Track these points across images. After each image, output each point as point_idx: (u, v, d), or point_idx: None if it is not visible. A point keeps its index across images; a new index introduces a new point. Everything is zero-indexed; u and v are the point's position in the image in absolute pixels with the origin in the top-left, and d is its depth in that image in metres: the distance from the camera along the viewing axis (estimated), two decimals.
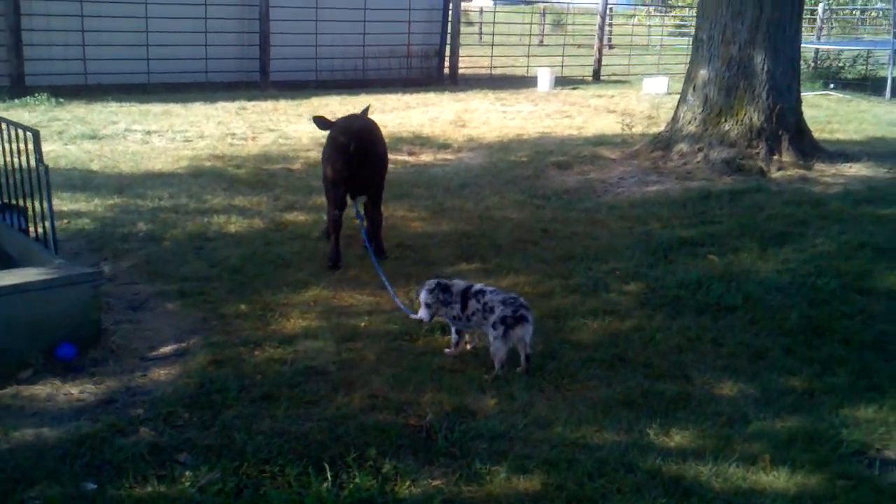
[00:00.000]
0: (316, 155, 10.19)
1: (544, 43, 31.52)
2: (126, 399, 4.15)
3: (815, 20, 26.61)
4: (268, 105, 14.48)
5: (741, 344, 4.97)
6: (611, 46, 30.19)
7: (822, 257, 6.51)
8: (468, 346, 4.83)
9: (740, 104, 9.40)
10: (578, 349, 4.84)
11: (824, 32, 29.06)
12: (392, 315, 5.25)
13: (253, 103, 14.54)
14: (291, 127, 12.35)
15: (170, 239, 6.63)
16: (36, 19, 14.25)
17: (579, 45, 26.61)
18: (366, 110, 6.57)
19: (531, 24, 28.81)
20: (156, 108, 13.56)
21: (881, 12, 31.09)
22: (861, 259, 6.48)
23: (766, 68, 9.28)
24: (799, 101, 9.88)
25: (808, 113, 14.60)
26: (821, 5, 25.78)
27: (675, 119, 10.10)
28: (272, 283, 5.71)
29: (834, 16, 33.02)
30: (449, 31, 19.49)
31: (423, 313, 4.70)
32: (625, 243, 6.84)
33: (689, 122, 9.72)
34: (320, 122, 6.22)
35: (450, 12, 19.36)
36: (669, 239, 6.91)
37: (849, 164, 9.58)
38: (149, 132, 11.41)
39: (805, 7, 33.19)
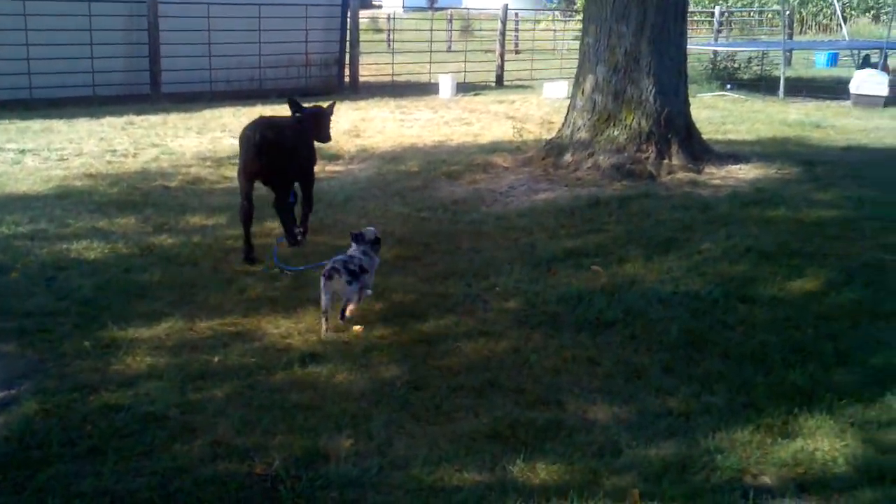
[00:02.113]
0: (197, 170, 9.78)
1: (452, 49, 31.34)
2: None
3: (712, 22, 27.05)
4: (157, 119, 13.91)
5: (619, 362, 4.74)
6: (517, 52, 30.25)
7: (707, 264, 6.37)
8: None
9: (628, 109, 9.27)
10: (447, 376, 4.54)
11: (722, 34, 29.63)
12: (250, 347, 4.87)
13: (142, 117, 13.95)
14: (177, 142, 11.84)
15: (20, 269, 6.11)
16: None
17: (486, 51, 26.50)
18: (331, 105, 7.13)
19: (436, 30, 28.66)
20: (36, 124, 12.87)
21: (777, 14, 31.74)
22: (745, 264, 6.36)
23: (652, 72, 9.18)
24: (687, 104, 9.83)
25: (703, 114, 14.76)
26: (717, 7, 26.22)
27: (565, 125, 9.94)
28: (124, 316, 5.27)
29: (731, 17, 33.73)
30: (349, 38, 19.11)
31: None
32: (508, 256, 6.58)
33: (579, 128, 9.56)
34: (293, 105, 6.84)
35: (349, 20, 18.99)
36: (554, 250, 6.68)
37: (738, 166, 9.55)
38: (23, 151, 10.77)
39: (702, 9, 33.80)
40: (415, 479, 3.57)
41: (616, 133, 9.32)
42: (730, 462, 3.73)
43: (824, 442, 3.90)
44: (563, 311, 5.47)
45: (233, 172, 9.58)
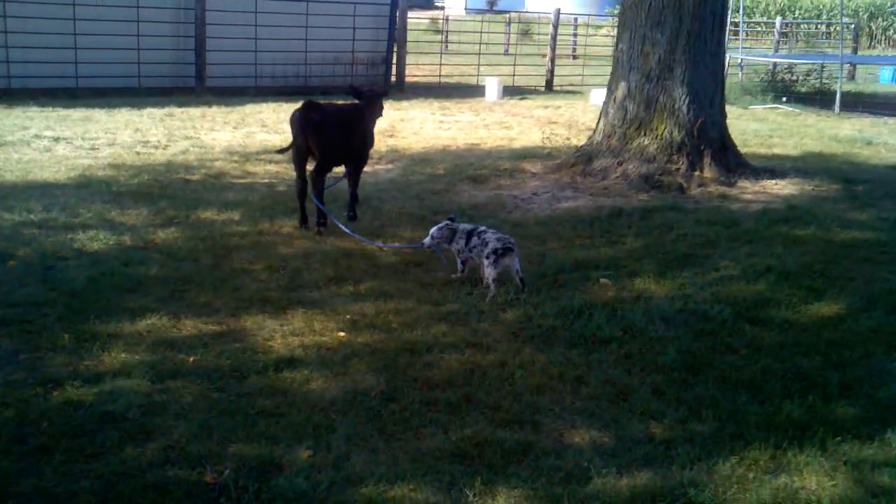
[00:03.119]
0: (222, 164, 9.76)
1: (509, 52, 31.09)
2: None
3: (772, 33, 26.40)
4: (197, 112, 13.97)
5: (607, 382, 4.50)
6: (574, 57, 29.92)
7: (722, 282, 6.08)
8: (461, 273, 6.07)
9: (660, 118, 8.99)
10: (424, 388, 4.36)
11: (787, 46, 28.94)
12: (229, 348, 4.74)
13: (182, 109, 14.04)
14: (211, 135, 11.85)
15: (20, 258, 6.09)
16: None
17: (544, 55, 26.22)
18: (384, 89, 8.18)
19: (494, 32, 28.52)
20: (77, 113, 13.04)
21: (846, 27, 30.83)
22: (763, 284, 6.07)
23: (686, 81, 8.88)
24: (723, 115, 9.49)
25: (752, 126, 14.39)
26: (778, 18, 25.56)
27: (596, 132, 9.68)
28: (110, 310, 5.18)
29: (796, 29, 32.94)
30: (397, 38, 19.03)
31: (427, 240, 6.08)
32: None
33: (610, 136, 9.30)
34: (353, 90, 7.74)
35: (397, 19, 18.91)
36: (564, 261, 6.45)
37: (774, 181, 9.19)
38: (57, 139, 10.87)
39: (768, 20, 32.93)
40: (366, 497, 3.40)
41: (646, 142, 9.04)
42: (703, 497, 3.48)
43: (811, 480, 3.63)
44: (560, 325, 5.24)
45: (256, 168, 9.60)
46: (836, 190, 9.10)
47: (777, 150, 12.06)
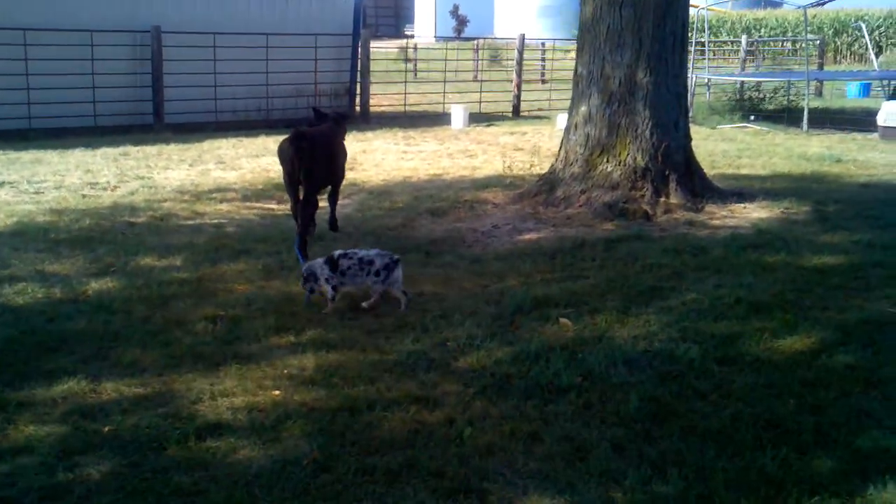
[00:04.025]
0: (170, 205, 9.37)
1: (478, 79, 30.89)
2: None
3: (738, 52, 26.36)
4: (153, 150, 13.57)
5: (564, 438, 4.12)
6: (543, 81, 29.77)
7: (689, 317, 5.73)
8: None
9: (623, 143, 8.67)
10: (362, 454, 3.95)
11: (754, 64, 28.95)
12: (151, 414, 4.32)
13: (138, 148, 13.64)
14: (165, 174, 11.46)
15: None
16: None
17: (512, 81, 26.02)
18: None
19: (462, 59, 28.35)
20: (28, 155, 12.62)
21: (812, 43, 30.85)
22: (732, 318, 5.72)
23: (648, 104, 8.58)
24: (688, 138, 9.19)
25: (720, 146, 14.16)
26: (744, 37, 25.49)
27: (558, 159, 9.36)
28: (25, 373, 4.75)
29: (763, 47, 33.00)
30: (360, 68, 18.75)
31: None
32: (471, 306, 5.99)
33: (572, 163, 8.97)
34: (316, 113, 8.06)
35: (360, 49, 18.62)
36: (523, 299, 6.06)
37: (743, 205, 8.88)
38: (1, 184, 10.44)
39: (730, 38, 32.94)
40: None
41: (610, 168, 8.71)
42: None
43: None
44: (516, 372, 4.86)
45: (206, 208, 9.21)
46: (807, 212, 8.80)
47: (745, 171, 11.80)
